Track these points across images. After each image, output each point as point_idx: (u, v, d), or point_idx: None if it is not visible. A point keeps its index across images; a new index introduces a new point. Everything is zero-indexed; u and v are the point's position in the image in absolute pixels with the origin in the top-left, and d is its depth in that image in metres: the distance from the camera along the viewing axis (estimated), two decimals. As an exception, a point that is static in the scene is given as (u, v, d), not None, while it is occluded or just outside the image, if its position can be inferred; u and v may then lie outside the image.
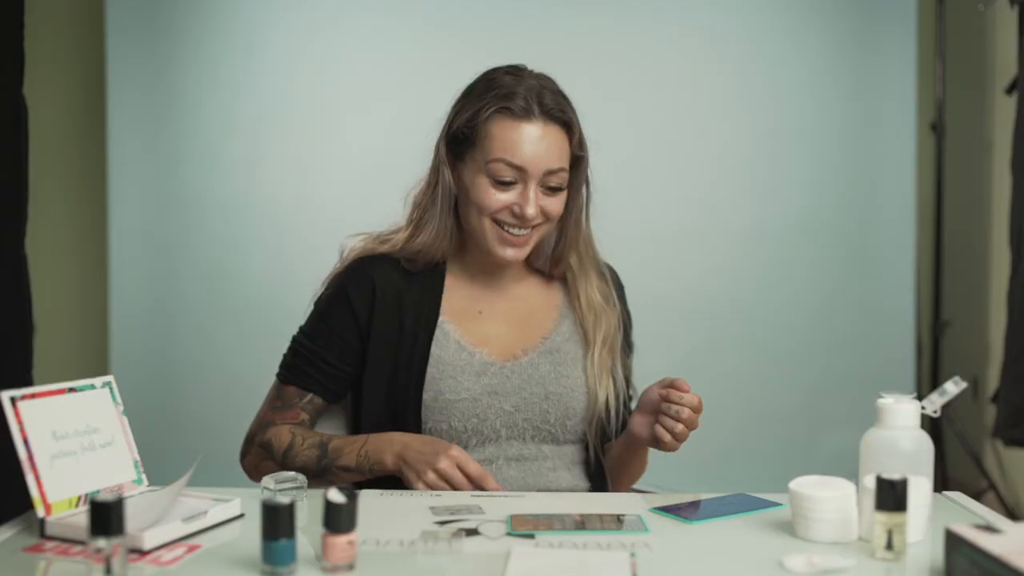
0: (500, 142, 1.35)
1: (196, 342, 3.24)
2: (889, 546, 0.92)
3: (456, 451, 1.25)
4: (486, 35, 3.22)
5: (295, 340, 1.47)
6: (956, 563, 0.85)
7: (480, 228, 1.38)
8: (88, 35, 3.32)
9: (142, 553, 0.94)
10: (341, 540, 0.88)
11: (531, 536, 1.00)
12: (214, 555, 0.95)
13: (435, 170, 1.44)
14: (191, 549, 0.96)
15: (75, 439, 1.04)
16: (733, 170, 3.24)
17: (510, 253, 1.38)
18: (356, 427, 1.45)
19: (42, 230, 2.76)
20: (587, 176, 1.44)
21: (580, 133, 1.40)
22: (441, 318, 1.42)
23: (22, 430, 0.99)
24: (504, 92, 1.36)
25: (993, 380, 3.14)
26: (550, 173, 1.35)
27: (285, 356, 1.46)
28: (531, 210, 1.34)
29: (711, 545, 1.02)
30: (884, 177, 3.31)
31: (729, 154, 3.23)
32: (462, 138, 1.40)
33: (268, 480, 1.14)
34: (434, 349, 1.39)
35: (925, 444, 1.02)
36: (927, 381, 3.49)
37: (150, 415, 3.12)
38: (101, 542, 0.82)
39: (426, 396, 1.37)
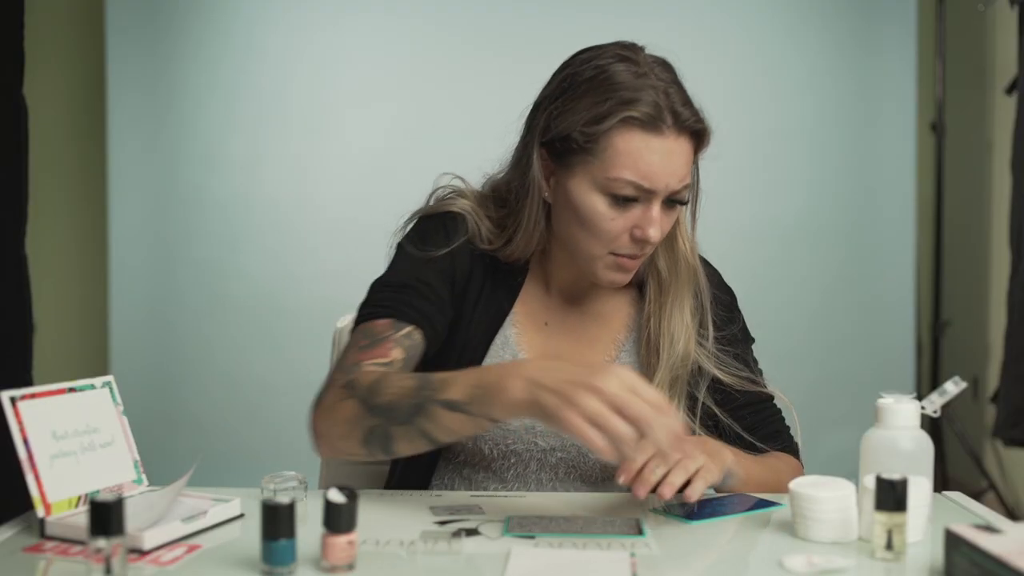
0: (625, 158, 1.14)
1: (196, 342, 3.25)
2: (889, 546, 0.92)
3: (623, 371, 0.96)
4: (486, 35, 3.22)
5: (379, 279, 1.26)
6: (956, 563, 0.85)
7: (589, 253, 1.21)
8: (88, 35, 3.32)
9: (142, 553, 0.94)
10: (341, 540, 0.88)
11: (531, 536, 1.00)
12: (214, 555, 0.95)
13: (523, 172, 1.23)
14: (191, 549, 0.96)
15: (75, 439, 1.04)
16: (733, 170, 3.23)
17: (619, 279, 1.23)
18: None
19: (42, 230, 2.77)
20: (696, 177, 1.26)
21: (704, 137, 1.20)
22: (508, 320, 1.28)
23: (22, 430, 0.99)
24: (628, 96, 1.14)
25: (993, 380, 3.14)
26: (674, 192, 1.17)
27: (366, 300, 1.25)
28: (655, 233, 1.16)
29: (711, 545, 1.02)
30: (884, 177, 3.32)
31: (729, 154, 3.21)
32: (573, 146, 1.17)
33: (268, 480, 1.14)
34: (489, 355, 1.26)
35: (925, 444, 1.02)
36: (927, 381, 3.49)
37: (150, 415, 3.12)
38: (101, 542, 0.82)
39: None
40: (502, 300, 1.28)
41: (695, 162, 1.23)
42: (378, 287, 1.26)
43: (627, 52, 1.19)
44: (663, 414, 0.93)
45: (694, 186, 1.25)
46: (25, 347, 2.26)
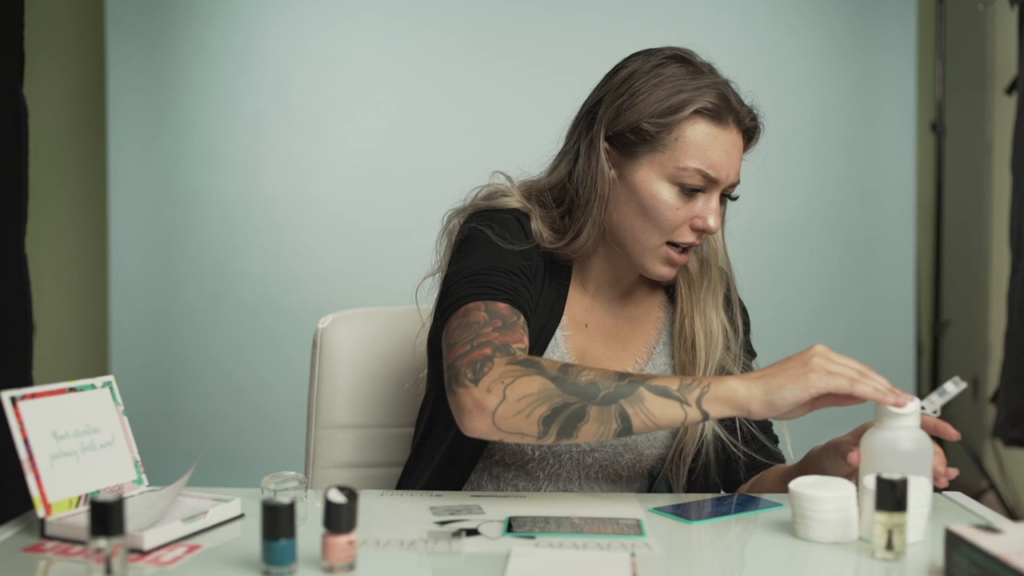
0: (695, 147, 1.19)
1: (196, 342, 3.25)
2: (889, 546, 0.93)
3: (821, 349, 1.06)
4: (486, 35, 3.23)
5: (472, 265, 1.20)
6: (956, 563, 0.85)
7: (645, 243, 1.23)
8: (88, 35, 3.32)
9: (142, 553, 0.94)
10: (341, 540, 0.88)
11: (531, 536, 1.00)
12: (214, 555, 0.95)
13: (587, 166, 1.24)
14: (191, 549, 0.96)
15: (75, 439, 1.04)
16: (733, 170, 3.24)
17: (667, 273, 1.25)
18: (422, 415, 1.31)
19: (42, 230, 2.77)
20: None
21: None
22: (559, 322, 1.29)
23: (22, 430, 0.99)
24: (697, 90, 1.20)
25: (993, 380, 3.14)
26: (731, 186, 1.24)
27: (466, 281, 1.19)
28: (715, 223, 1.22)
29: (711, 545, 1.02)
30: (884, 177, 3.32)
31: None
32: (646, 136, 1.20)
33: (268, 480, 1.14)
34: (544, 356, 1.26)
35: (925, 444, 1.02)
36: (927, 381, 3.50)
37: (150, 415, 3.13)
38: (101, 542, 0.82)
39: None
40: (555, 302, 1.29)
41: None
42: (478, 269, 1.20)
43: (683, 54, 1.25)
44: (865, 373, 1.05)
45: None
46: (25, 347, 2.26)
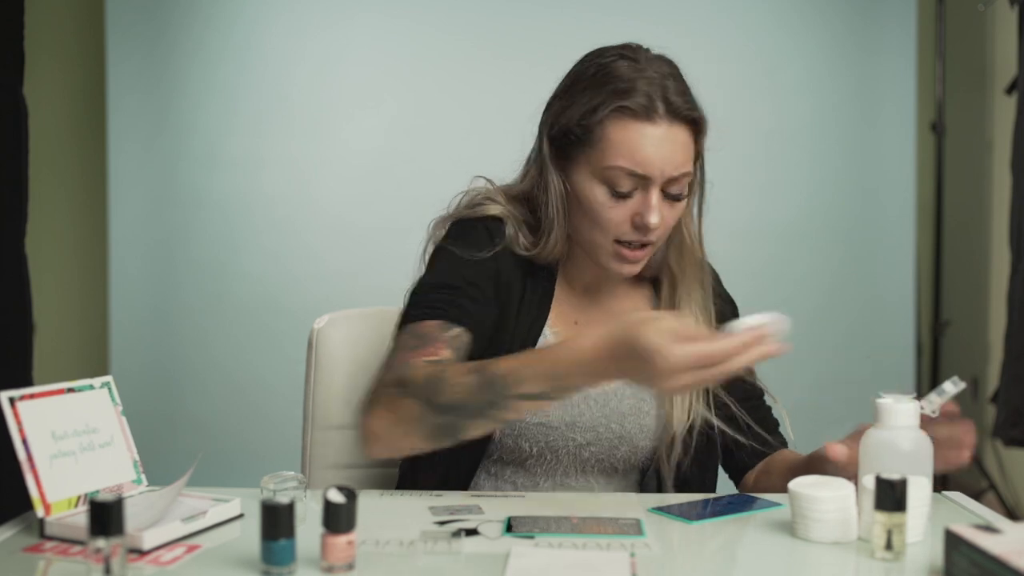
0: (618, 146, 1.17)
1: (196, 342, 3.25)
2: (889, 546, 0.92)
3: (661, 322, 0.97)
4: (486, 35, 3.23)
5: (422, 282, 1.26)
6: (956, 563, 0.85)
7: (594, 243, 1.24)
8: (88, 35, 3.32)
9: (141, 553, 0.94)
10: (340, 540, 0.88)
11: (531, 536, 1.00)
12: (214, 555, 0.95)
13: (540, 170, 1.26)
14: (191, 549, 0.96)
15: (74, 439, 1.04)
16: (732, 170, 3.23)
17: (627, 270, 1.25)
18: None
19: (42, 230, 2.77)
20: (701, 175, 1.28)
21: (704, 127, 1.24)
22: (547, 322, 1.30)
23: (21, 430, 0.99)
24: (622, 87, 1.18)
25: (993, 380, 3.13)
26: (672, 180, 1.19)
27: (410, 302, 1.24)
28: (654, 218, 1.18)
29: (711, 545, 1.02)
30: (884, 177, 3.32)
31: (728, 154, 3.22)
32: (572, 138, 1.21)
33: (268, 480, 1.14)
34: None
35: (925, 444, 1.02)
36: (927, 381, 3.49)
37: (150, 415, 3.12)
38: (100, 542, 0.82)
39: None
40: (540, 303, 1.29)
41: (698, 155, 1.25)
42: (425, 288, 1.25)
43: (628, 51, 1.22)
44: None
45: (698, 180, 1.27)
46: (25, 347, 2.26)
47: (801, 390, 3.29)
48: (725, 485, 1.37)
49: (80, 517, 0.99)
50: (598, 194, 1.20)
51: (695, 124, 1.21)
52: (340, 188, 3.22)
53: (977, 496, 2.96)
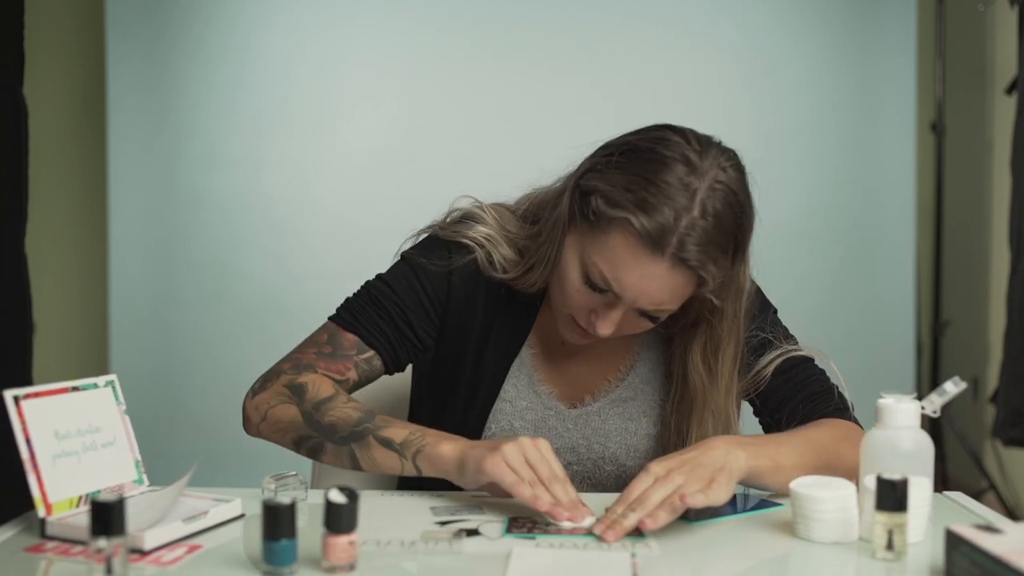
0: (614, 257, 1.09)
1: (196, 342, 3.25)
2: (889, 546, 0.93)
3: (535, 441, 1.06)
4: (486, 36, 3.23)
5: (370, 285, 1.27)
6: (956, 563, 0.85)
7: (555, 304, 1.20)
8: (88, 35, 3.32)
9: (143, 553, 0.94)
10: (342, 540, 0.88)
11: (531, 536, 1.00)
12: (215, 555, 0.95)
13: (554, 207, 1.18)
14: (192, 549, 0.96)
15: (77, 438, 1.04)
16: (733, 170, 3.24)
17: (577, 340, 1.20)
18: None
19: (42, 230, 2.76)
20: (741, 302, 1.19)
21: (720, 280, 1.12)
22: (526, 342, 1.28)
23: (25, 429, 0.98)
24: (650, 200, 1.06)
25: (993, 380, 3.14)
26: (644, 311, 1.13)
27: (350, 299, 1.27)
28: (604, 331, 1.14)
29: (711, 545, 1.02)
30: (884, 177, 3.32)
31: (729, 154, 3.23)
32: (587, 207, 1.11)
33: (269, 480, 1.14)
34: (506, 383, 1.27)
35: (925, 444, 1.02)
36: (927, 381, 3.50)
37: (150, 415, 3.12)
38: (102, 542, 0.82)
39: (485, 432, 1.27)
40: (520, 323, 1.26)
41: (702, 298, 1.16)
42: (364, 294, 1.27)
43: (693, 155, 1.09)
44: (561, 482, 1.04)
45: (732, 289, 1.18)
46: (25, 347, 2.26)
47: (801, 390, 3.30)
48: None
49: (81, 517, 0.99)
50: (573, 272, 1.13)
51: (700, 277, 1.10)
52: (340, 188, 3.22)
53: (977, 496, 2.96)
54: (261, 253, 3.22)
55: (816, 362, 1.30)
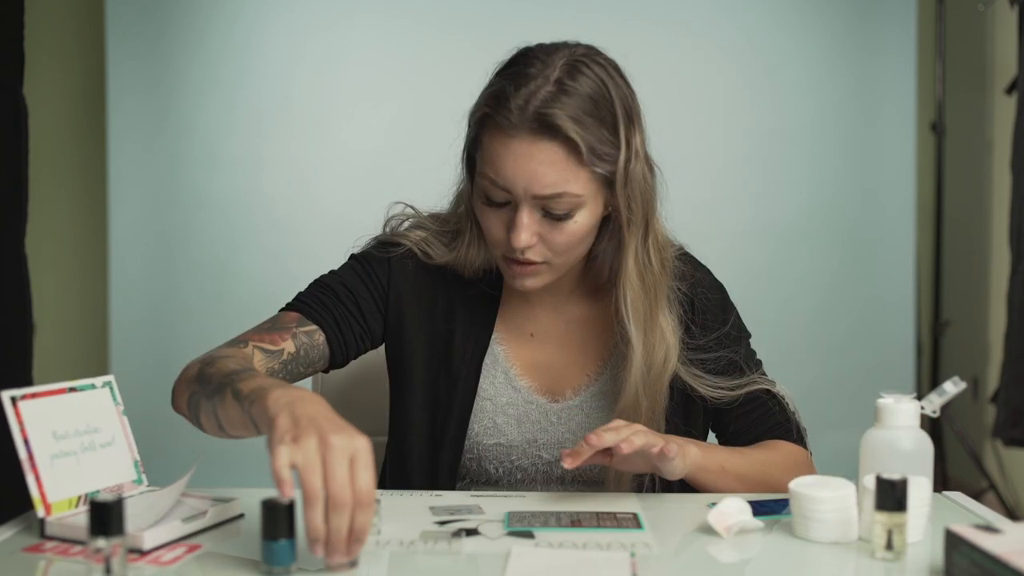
0: (487, 155, 1.11)
1: (196, 342, 3.21)
2: (889, 546, 0.92)
3: (363, 444, 0.85)
4: (486, 35, 3.22)
5: (316, 279, 1.30)
6: (956, 563, 0.85)
7: (493, 253, 1.19)
8: (88, 35, 3.32)
9: (142, 553, 0.94)
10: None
11: (531, 535, 1.00)
12: (214, 555, 0.95)
13: (462, 173, 1.24)
14: (191, 549, 0.96)
15: (75, 439, 1.04)
16: (733, 170, 3.24)
17: (521, 284, 1.17)
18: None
19: (42, 230, 2.76)
20: (636, 192, 1.13)
21: (597, 145, 1.08)
22: (493, 338, 1.27)
23: (22, 430, 0.98)
24: (496, 91, 1.10)
25: (993, 380, 3.14)
26: (545, 199, 1.09)
27: (299, 294, 1.29)
28: (519, 237, 1.10)
29: (711, 545, 1.02)
30: (884, 177, 3.32)
31: (729, 154, 3.23)
32: (471, 136, 1.17)
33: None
34: (482, 380, 1.25)
35: (925, 444, 1.02)
36: (927, 381, 3.50)
37: (150, 415, 3.11)
38: (101, 542, 0.82)
39: (468, 433, 1.25)
40: (483, 317, 1.27)
41: (621, 181, 1.12)
42: (316, 281, 1.30)
43: (548, 50, 1.13)
44: (360, 506, 0.83)
45: (635, 198, 1.14)
46: (25, 347, 2.26)
47: (801, 390, 3.29)
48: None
49: (80, 517, 0.99)
50: (477, 201, 1.15)
51: (567, 139, 1.06)
52: (340, 188, 3.22)
53: (977, 496, 2.96)
54: (261, 253, 3.22)
55: (777, 388, 1.33)
